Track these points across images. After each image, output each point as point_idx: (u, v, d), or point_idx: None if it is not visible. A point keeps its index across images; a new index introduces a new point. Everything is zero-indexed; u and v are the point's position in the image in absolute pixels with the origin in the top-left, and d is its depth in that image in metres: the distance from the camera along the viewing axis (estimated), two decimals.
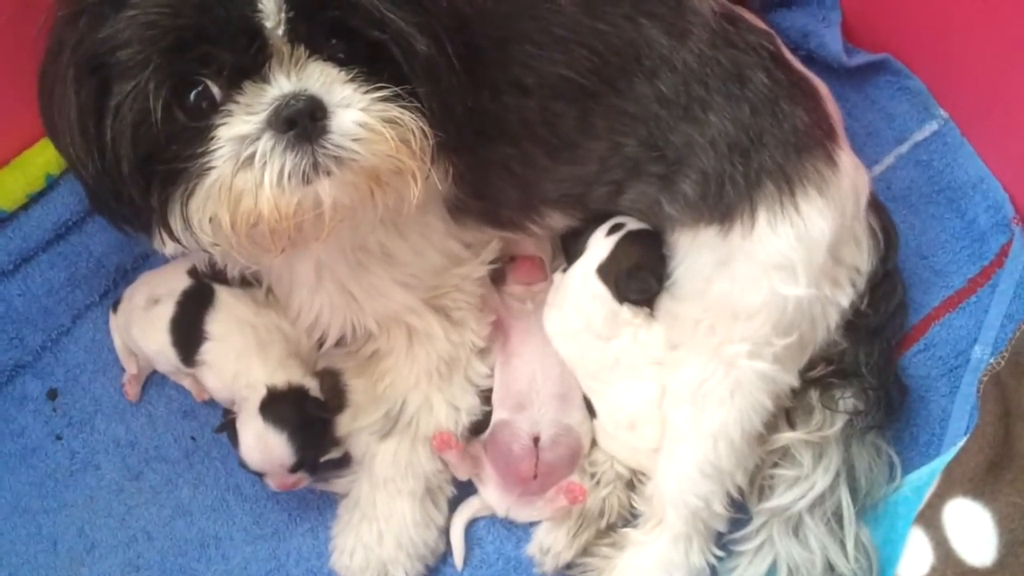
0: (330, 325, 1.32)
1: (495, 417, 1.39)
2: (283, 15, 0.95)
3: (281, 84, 0.97)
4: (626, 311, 1.34)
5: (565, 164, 1.28)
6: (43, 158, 1.44)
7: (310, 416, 1.31)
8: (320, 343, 1.38)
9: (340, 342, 1.36)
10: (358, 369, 1.39)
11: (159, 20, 0.94)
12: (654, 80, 1.24)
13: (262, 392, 1.28)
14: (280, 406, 1.28)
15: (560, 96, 1.22)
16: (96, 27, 0.97)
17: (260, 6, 0.95)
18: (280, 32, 0.96)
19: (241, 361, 1.32)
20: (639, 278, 1.34)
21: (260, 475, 1.30)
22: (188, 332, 1.35)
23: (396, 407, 1.34)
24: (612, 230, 1.36)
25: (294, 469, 1.28)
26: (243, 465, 1.29)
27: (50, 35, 1.03)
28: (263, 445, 1.27)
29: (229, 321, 1.35)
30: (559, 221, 1.37)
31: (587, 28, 1.22)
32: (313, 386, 1.33)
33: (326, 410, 1.34)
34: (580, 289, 1.36)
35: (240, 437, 1.28)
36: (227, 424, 1.32)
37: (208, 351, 1.34)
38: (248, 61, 0.97)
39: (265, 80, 0.98)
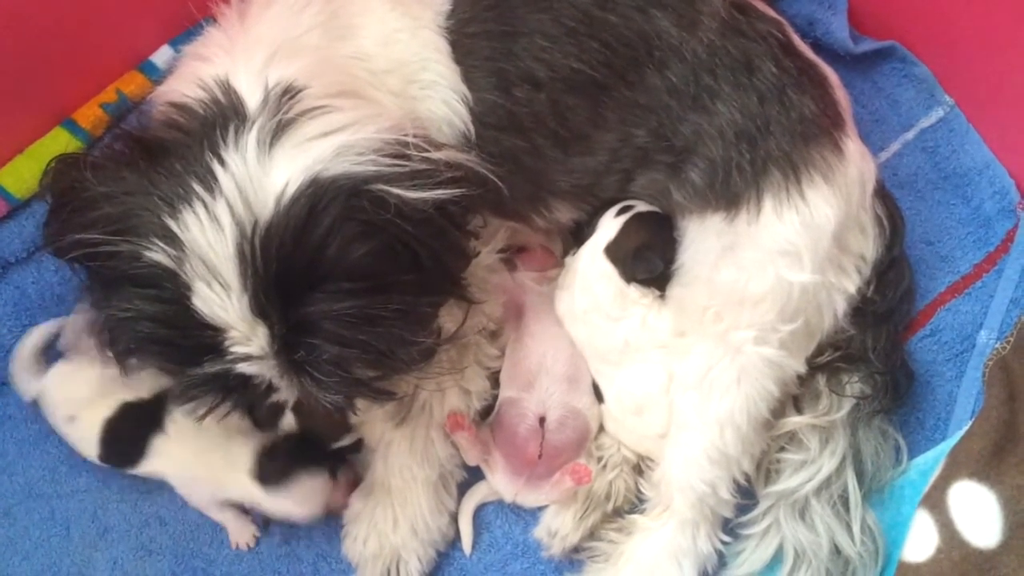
0: None
1: (502, 395, 1.40)
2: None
3: None
4: (634, 291, 1.35)
5: (576, 156, 1.28)
6: (56, 146, 1.45)
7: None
8: None
9: None
10: None
11: None
12: (664, 71, 1.24)
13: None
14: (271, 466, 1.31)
15: (572, 89, 1.23)
16: None
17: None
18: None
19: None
20: (645, 258, 1.34)
21: None
22: None
23: (409, 393, 1.34)
24: (621, 211, 1.36)
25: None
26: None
27: None
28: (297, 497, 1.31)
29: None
30: (565, 214, 1.37)
31: (598, 20, 1.22)
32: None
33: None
34: (588, 269, 1.36)
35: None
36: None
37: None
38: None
39: None
